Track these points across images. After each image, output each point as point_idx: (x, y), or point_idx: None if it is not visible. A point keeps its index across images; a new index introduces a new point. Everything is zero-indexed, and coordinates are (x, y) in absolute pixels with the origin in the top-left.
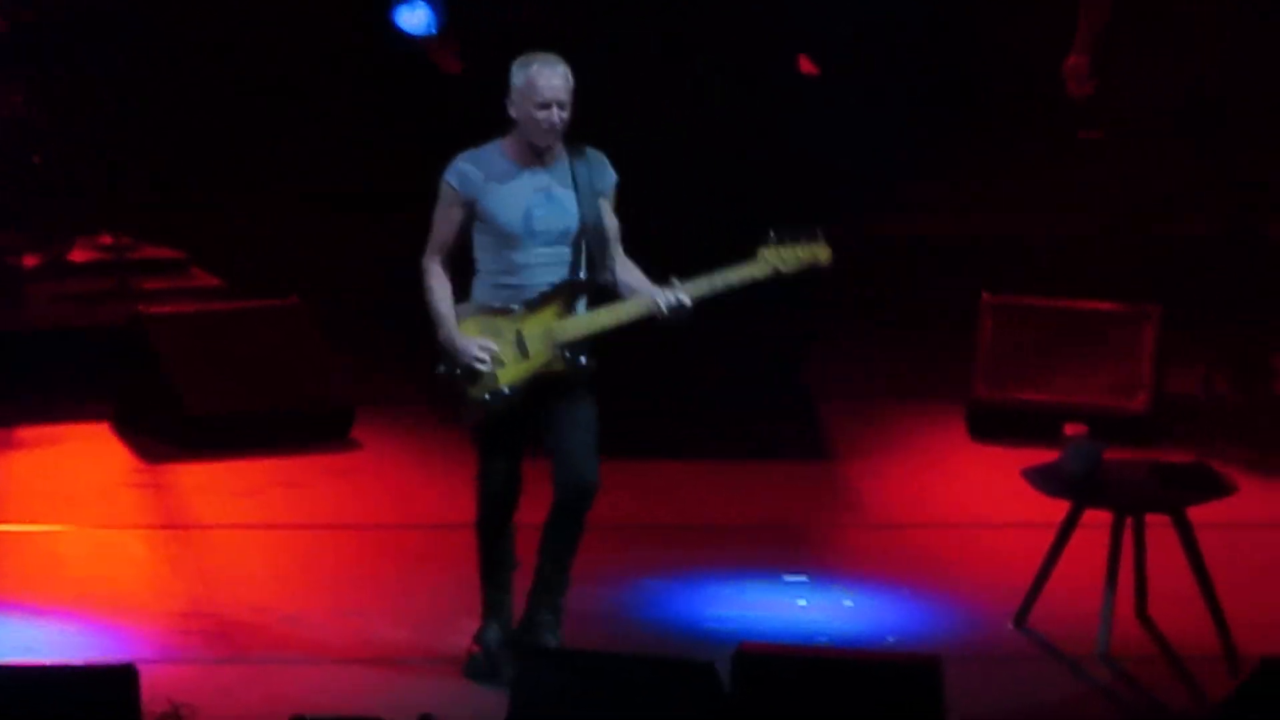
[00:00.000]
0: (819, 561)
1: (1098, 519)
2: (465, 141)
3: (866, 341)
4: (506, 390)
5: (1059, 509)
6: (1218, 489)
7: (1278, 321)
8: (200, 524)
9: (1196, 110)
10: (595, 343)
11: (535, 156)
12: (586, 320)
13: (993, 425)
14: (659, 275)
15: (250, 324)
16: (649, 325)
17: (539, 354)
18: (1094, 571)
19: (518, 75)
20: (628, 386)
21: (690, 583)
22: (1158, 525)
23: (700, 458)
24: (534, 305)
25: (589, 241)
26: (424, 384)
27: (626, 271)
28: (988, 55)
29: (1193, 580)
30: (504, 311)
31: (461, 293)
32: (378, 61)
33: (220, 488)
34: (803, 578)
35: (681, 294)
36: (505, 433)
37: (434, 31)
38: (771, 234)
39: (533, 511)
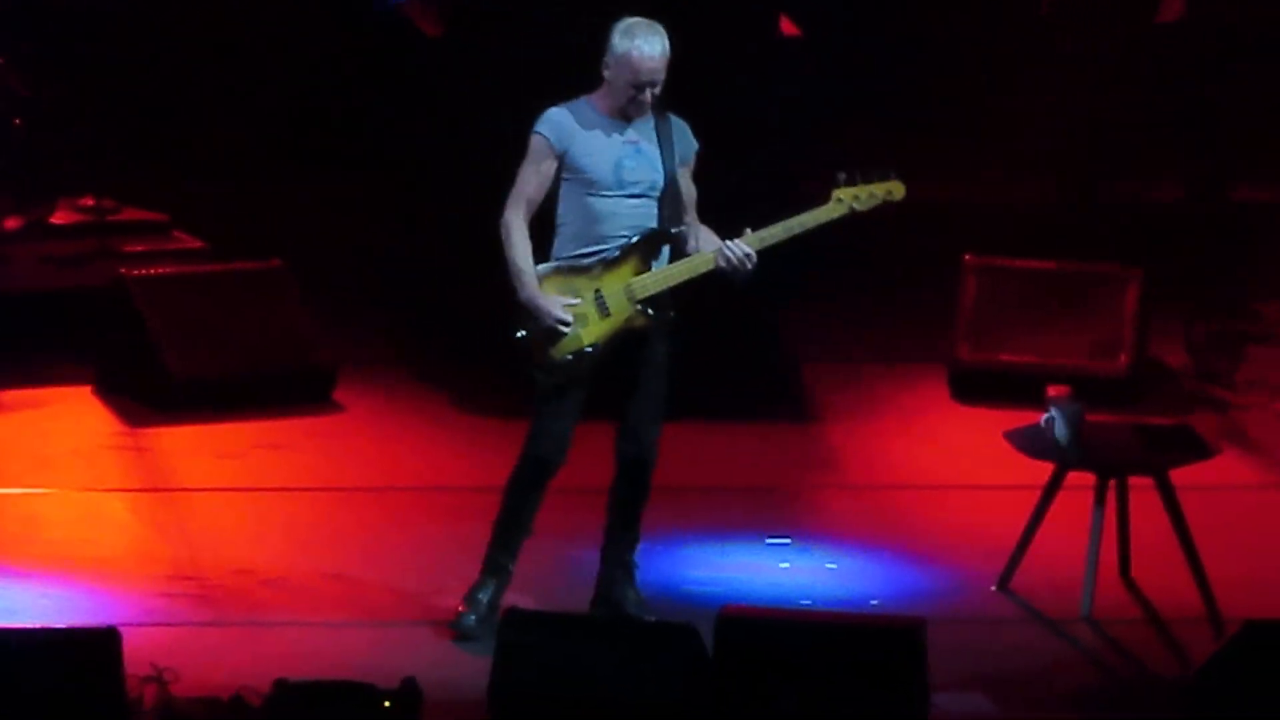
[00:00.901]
0: (802, 524)
1: (1081, 481)
2: (448, 103)
3: (849, 304)
4: (589, 349)
5: (1042, 471)
6: (1201, 451)
7: (1248, 285)
8: (183, 487)
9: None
10: (675, 295)
11: (624, 114)
12: (664, 275)
13: (975, 387)
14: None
15: (233, 287)
16: (717, 280)
17: (620, 310)
18: (1077, 534)
19: (620, 42)
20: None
21: (673, 546)
22: (1141, 487)
23: (683, 420)
24: (612, 263)
25: (670, 199)
26: (406, 345)
27: (698, 232)
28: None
29: (1176, 542)
30: (583, 270)
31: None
32: (361, 23)
33: (203, 450)
34: (786, 540)
35: (744, 245)
36: (570, 396)
37: None
38: (842, 175)
39: (569, 474)
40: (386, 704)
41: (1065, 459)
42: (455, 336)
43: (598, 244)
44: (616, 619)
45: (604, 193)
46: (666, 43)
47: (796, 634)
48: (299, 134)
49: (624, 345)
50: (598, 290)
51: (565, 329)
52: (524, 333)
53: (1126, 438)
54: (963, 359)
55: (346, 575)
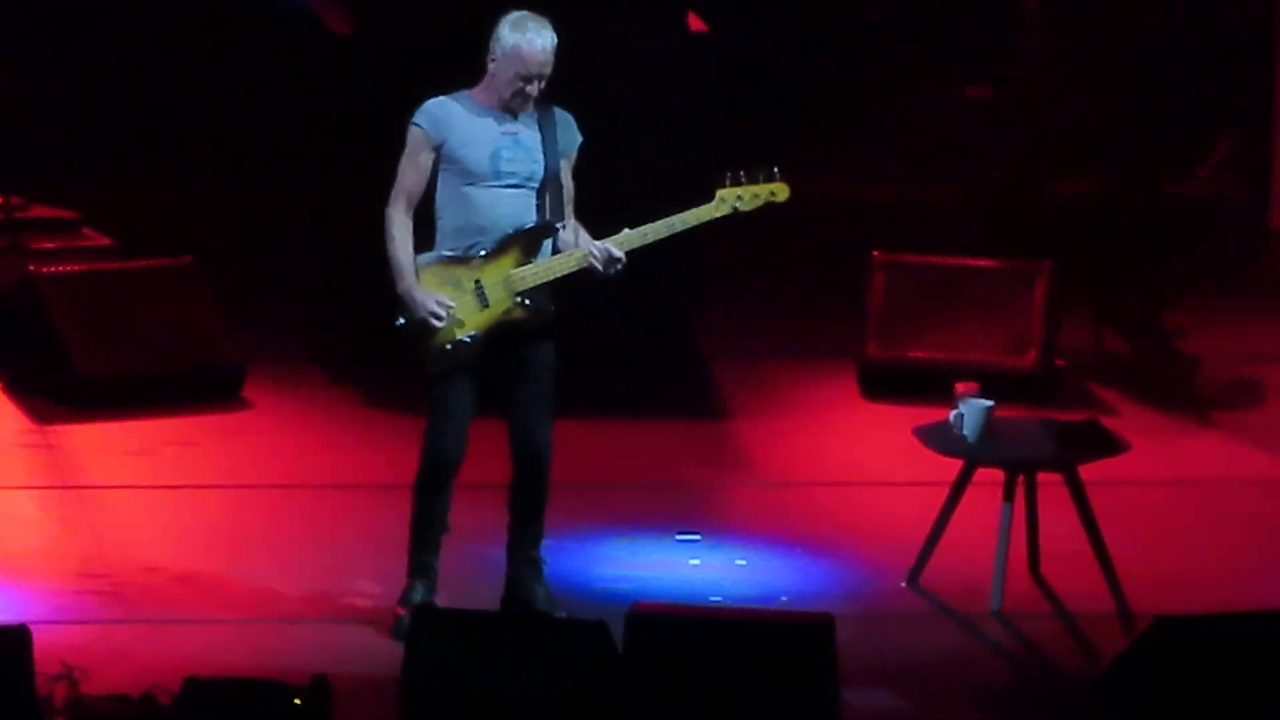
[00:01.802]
0: (711, 520)
1: (990, 476)
2: (357, 100)
3: (758, 300)
4: (468, 339)
5: (951, 467)
6: (1110, 447)
7: (1169, 277)
8: (93, 484)
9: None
10: (555, 288)
11: (506, 106)
12: (544, 267)
13: (884, 383)
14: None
15: (142, 283)
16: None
17: (499, 302)
18: (986, 530)
19: (507, 36)
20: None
21: (582, 542)
22: (1050, 483)
23: (592, 416)
24: (492, 254)
25: (551, 192)
26: (314, 343)
27: (571, 231)
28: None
29: (1085, 538)
30: (463, 260)
31: (419, 247)
32: (268, 22)
33: (112, 447)
34: (695, 537)
35: (610, 247)
36: (459, 391)
37: None
38: (728, 174)
39: (478, 470)
40: (297, 701)
41: (973, 455)
42: (363, 333)
43: (476, 235)
44: (526, 616)
45: (481, 183)
46: (554, 37)
47: (706, 630)
48: (210, 130)
49: (507, 340)
50: (477, 281)
51: (438, 323)
52: (403, 321)
53: (1035, 433)
54: (872, 355)
55: (256, 573)
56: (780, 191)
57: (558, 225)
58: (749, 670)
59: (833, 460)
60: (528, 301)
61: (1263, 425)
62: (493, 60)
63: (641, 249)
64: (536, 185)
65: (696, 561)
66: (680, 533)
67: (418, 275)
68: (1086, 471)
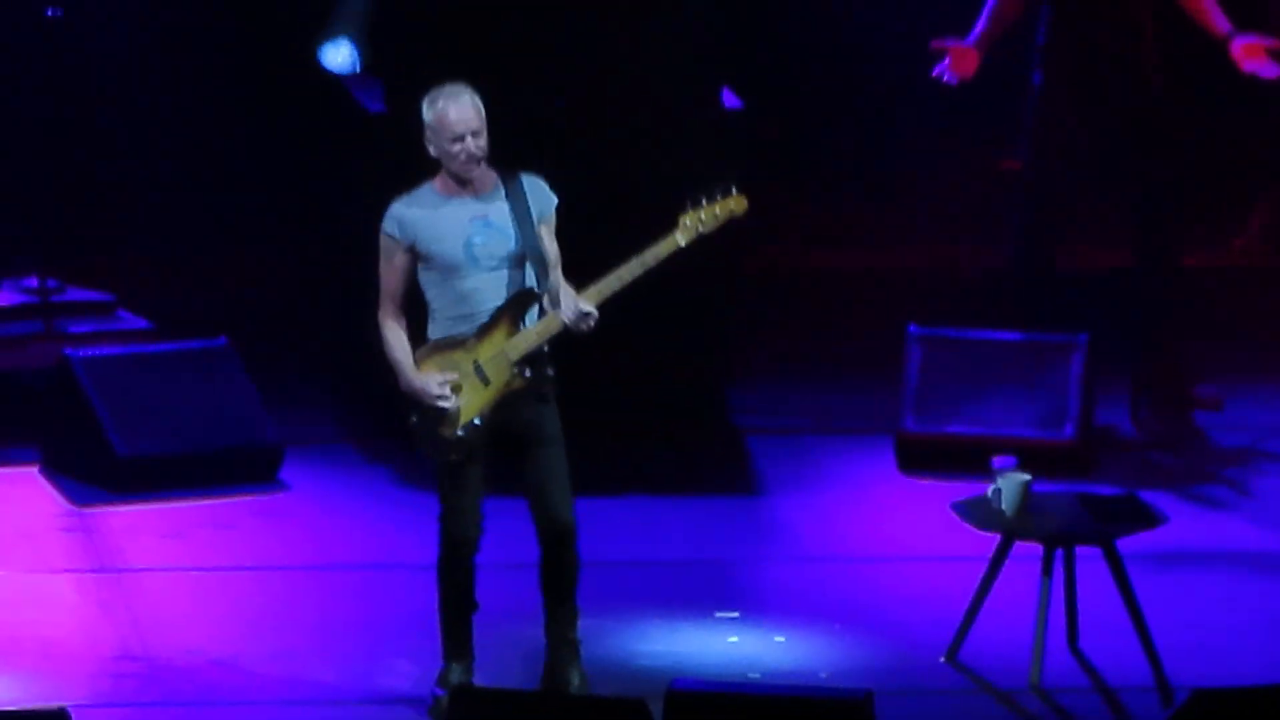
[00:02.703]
0: (749, 597)
1: (1028, 551)
2: (390, 180)
3: (794, 375)
4: (477, 421)
5: (989, 542)
6: (1147, 520)
7: (1195, 351)
8: (130, 567)
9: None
10: (552, 353)
11: (466, 188)
12: (536, 332)
13: (922, 458)
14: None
15: (178, 365)
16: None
17: (498, 376)
18: (1025, 604)
19: (427, 113)
20: None
21: (621, 620)
22: (1088, 557)
23: (628, 494)
24: (484, 331)
25: (533, 261)
26: (350, 423)
27: (559, 292)
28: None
29: (1124, 611)
30: (458, 344)
31: (418, 336)
32: (303, 100)
33: (149, 530)
34: (734, 614)
35: (582, 304)
36: (468, 473)
37: (357, 70)
38: (688, 200)
39: (508, 550)
40: None
41: (1011, 530)
42: (399, 413)
43: (465, 321)
44: (565, 695)
45: (460, 272)
46: (475, 97)
47: (746, 708)
48: (242, 209)
49: (511, 412)
50: (475, 362)
51: (446, 404)
52: (415, 419)
53: (1073, 507)
54: (909, 430)
55: (294, 654)
56: (738, 205)
57: (540, 290)
58: None
59: (870, 535)
60: (527, 371)
61: None
62: (429, 144)
63: (673, 324)
64: (514, 262)
65: (735, 639)
66: (719, 610)
67: (418, 367)
68: (1125, 545)
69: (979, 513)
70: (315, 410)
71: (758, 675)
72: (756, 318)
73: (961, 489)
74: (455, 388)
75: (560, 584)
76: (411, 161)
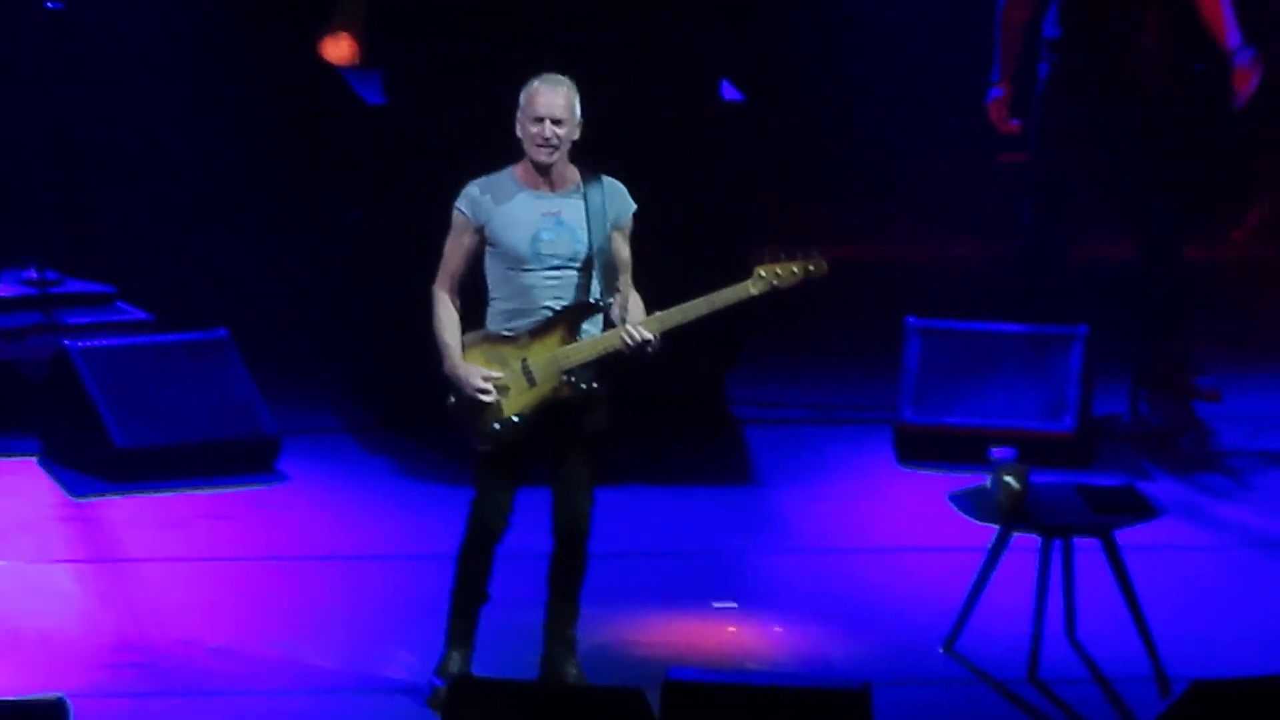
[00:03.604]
0: (748, 588)
1: (1027, 542)
2: (389, 172)
3: (792, 366)
4: (515, 419)
5: (987, 532)
6: (1146, 511)
7: (1195, 343)
8: (129, 557)
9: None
10: (605, 367)
11: (545, 181)
12: (590, 345)
13: (920, 449)
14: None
15: (177, 357)
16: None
17: (546, 380)
18: (1023, 595)
19: (521, 95)
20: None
21: (619, 610)
22: (1086, 548)
23: (625, 483)
24: (539, 332)
25: (599, 268)
26: (349, 413)
27: (626, 302)
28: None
29: (1122, 603)
30: (510, 340)
31: (469, 323)
32: (303, 92)
33: (148, 521)
34: (731, 604)
35: (644, 331)
36: (507, 463)
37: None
38: (766, 251)
39: (518, 540)
40: None
41: (1009, 521)
42: (399, 403)
43: (522, 316)
44: (564, 685)
45: (523, 266)
46: (573, 91)
47: (743, 699)
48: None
49: (555, 416)
50: (524, 360)
51: (487, 398)
52: (453, 400)
53: (1071, 499)
54: (908, 421)
55: (292, 645)
56: (817, 267)
57: (603, 302)
58: None
59: (869, 526)
60: (574, 379)
61: None
62: (517, 125)
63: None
64: (580, 264)
65: (733, 629)
66: (716, 600)
67: (465, 354)
68: (1123, 536)
69: (977, 504)
70: (314, 401)
71: (755, 665)
72: (755, 308)
73: (960, 480)
74: (500, 382)
75: (568, 582)
76: (410, 153)
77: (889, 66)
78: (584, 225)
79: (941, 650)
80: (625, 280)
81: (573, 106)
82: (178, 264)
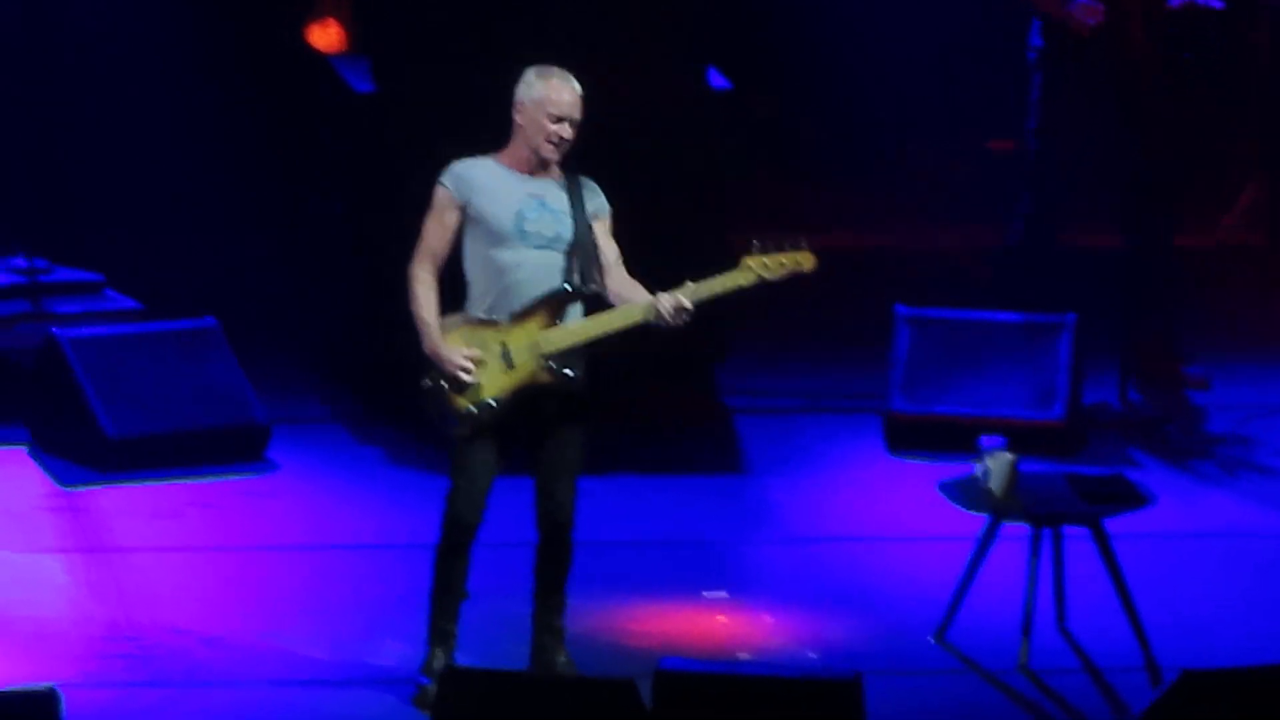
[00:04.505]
0: (738, 577)
1: (1016, 531)
2: (378, 159)
3: (782, 355)
4: (492, 403)
5: (977, 521)
6: (1135, 500)
7: (1184, 331)
8: (119, 547)
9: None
10: (585, 356)
11: (531, 166)
12: (572, 331)
13: (910, 438)
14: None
15: (166, 345)
16: (630, 335)
17: (524, 365)
18: (1013, 584)
19: (535, 85)
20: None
21: (609, 600)
22: (1076, 537)
23: (614, 473)
24: (520, 316)
25: (581, 256)
26: (339, 403)
27: (628, 289)
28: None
29: (1112, 591)
30: (490, 323)
31: (446, 307)
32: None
33: (137, 510)
34: (722, 594)
35: (681, 297)
36: (482, 452)
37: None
38: (755, 243)
39: (502, 529)
40: None
41: (998, 510)
42: (388, 392)
43: (503, 297)
44: (555, 675)
45: (506, 244)
46: (579, 87)
47: (734, 688)
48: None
49: (534, 404)
50: (504, 344)
51: (467, 378)
52: (429, 382)
53: (1061, 487)
54: (897, 410)
55: (283, 635)
56: (805, 261)
57: (585, 289)
58: None
59: (858, 515)
60: (554, 365)
61: None
62: (519, 113)
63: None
64: (564, 248)
65: (724, 619)
66: (707, 590)
67: (444, 336)
68: (1113, 525)
69: (967, 493)
70: (303, 390)
71: (746, 655)
72: (745, 297)
73: (949, 469)
74: (478, 364)
75: (554, 573)
76: (398, 140)
77: (877, 54)
78: (567, 211)
79: (932, 639)
80: (619, 272)
81: (581, 108)
82: (167, 252)
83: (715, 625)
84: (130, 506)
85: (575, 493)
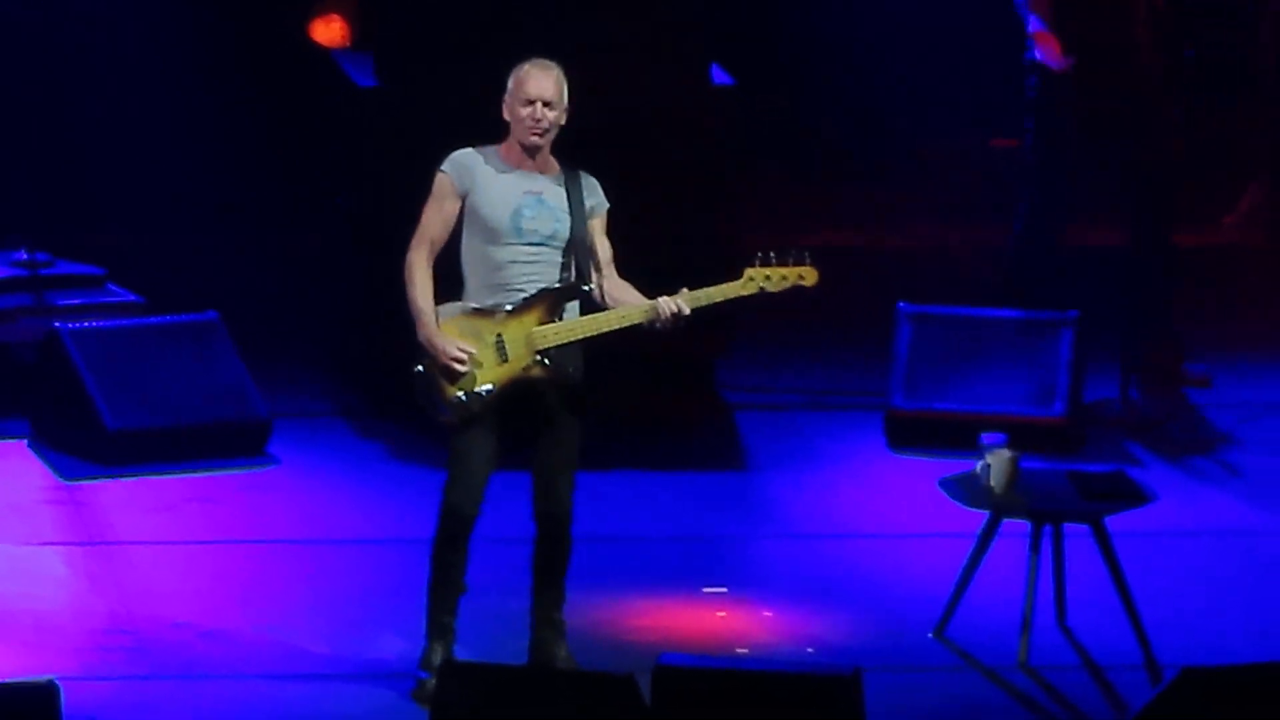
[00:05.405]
0: (737, 573)
1: (1017, 528)
2: (380, 154)
3: (784, 352)
4: (483, 392)
5: (978, 518)
6: (1136, 498)
7: (1185, 329)
8: (119, 540)
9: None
10: (582, 352)
11: (529, 161)
12: (568, 327)
13: (911, 435)
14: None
15: (168, 339)
16: (630, 332)
17: (518, 358)
18: (1013, 581)
19: (511, 78)
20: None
21: (609, 595)
22: (1076, 534)
23: (615, 468)
24: (518, 310)
25: (577, 253)
26: (339, 397)
27: (619, 290)
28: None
29: (1112, 589)
30: (487, 313)
31: (441, 296)
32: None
33: (138, 504)
34: (722, 589)
35: (680, 302)
36: (478, 444)
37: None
38: (758, 255)
39: (500, 524)
40: None
41: (999, 507)
42: (389, 387)
43: (499, 292)
44: (554, 670)
45: (502, 240)
46: (562, 75)
47: (733, 684)
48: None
49: (529, 399)
50: (499, 335)
51: (460, 367)
52: (421, 369)
53: (1061, 485)
54: (898, 407)
55: (283, 628)
56: (808, 276)
57: (584, 288)
58: None
59: (859, 511)
60: (548, 360)
61: None
62: (505, 109)
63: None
64: (561, 245)
65: (723, 614)
66: (707, 585)
67: (439, 324)
68: (1113, 522)
69: (967, 490)
70: (304, 384)
71: (746, 651)
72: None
73: (950, 466)
74: (472, 355)
75: (553, 567)
76: (401, 135)
77: (881, 51)
78: (565, 208)
79: (932, 636)
80: (610, 270)
81: (562, 90)
82: (168, 246)
83: (715, 621)
84: (131, 500)
85: (573, 487)
